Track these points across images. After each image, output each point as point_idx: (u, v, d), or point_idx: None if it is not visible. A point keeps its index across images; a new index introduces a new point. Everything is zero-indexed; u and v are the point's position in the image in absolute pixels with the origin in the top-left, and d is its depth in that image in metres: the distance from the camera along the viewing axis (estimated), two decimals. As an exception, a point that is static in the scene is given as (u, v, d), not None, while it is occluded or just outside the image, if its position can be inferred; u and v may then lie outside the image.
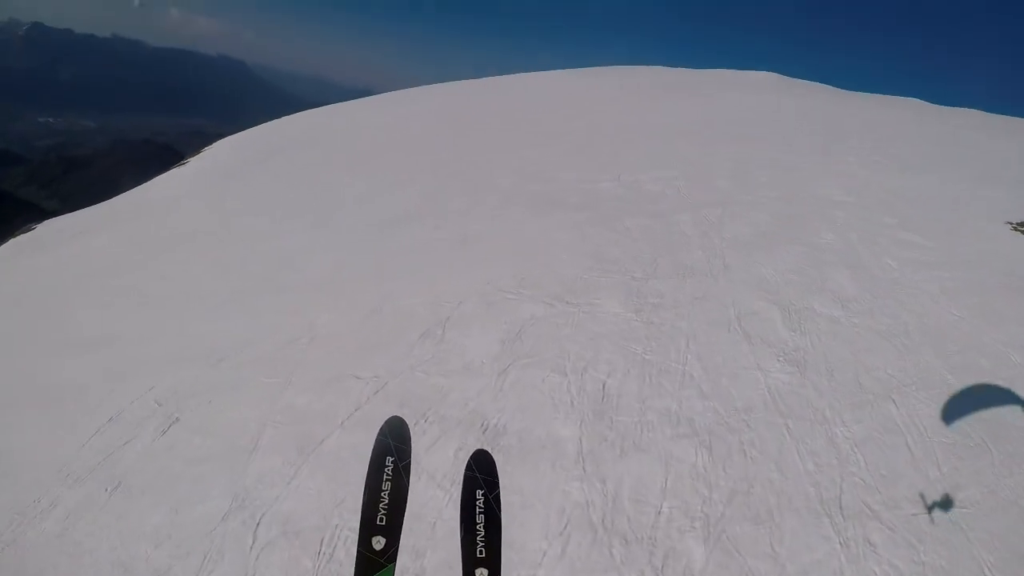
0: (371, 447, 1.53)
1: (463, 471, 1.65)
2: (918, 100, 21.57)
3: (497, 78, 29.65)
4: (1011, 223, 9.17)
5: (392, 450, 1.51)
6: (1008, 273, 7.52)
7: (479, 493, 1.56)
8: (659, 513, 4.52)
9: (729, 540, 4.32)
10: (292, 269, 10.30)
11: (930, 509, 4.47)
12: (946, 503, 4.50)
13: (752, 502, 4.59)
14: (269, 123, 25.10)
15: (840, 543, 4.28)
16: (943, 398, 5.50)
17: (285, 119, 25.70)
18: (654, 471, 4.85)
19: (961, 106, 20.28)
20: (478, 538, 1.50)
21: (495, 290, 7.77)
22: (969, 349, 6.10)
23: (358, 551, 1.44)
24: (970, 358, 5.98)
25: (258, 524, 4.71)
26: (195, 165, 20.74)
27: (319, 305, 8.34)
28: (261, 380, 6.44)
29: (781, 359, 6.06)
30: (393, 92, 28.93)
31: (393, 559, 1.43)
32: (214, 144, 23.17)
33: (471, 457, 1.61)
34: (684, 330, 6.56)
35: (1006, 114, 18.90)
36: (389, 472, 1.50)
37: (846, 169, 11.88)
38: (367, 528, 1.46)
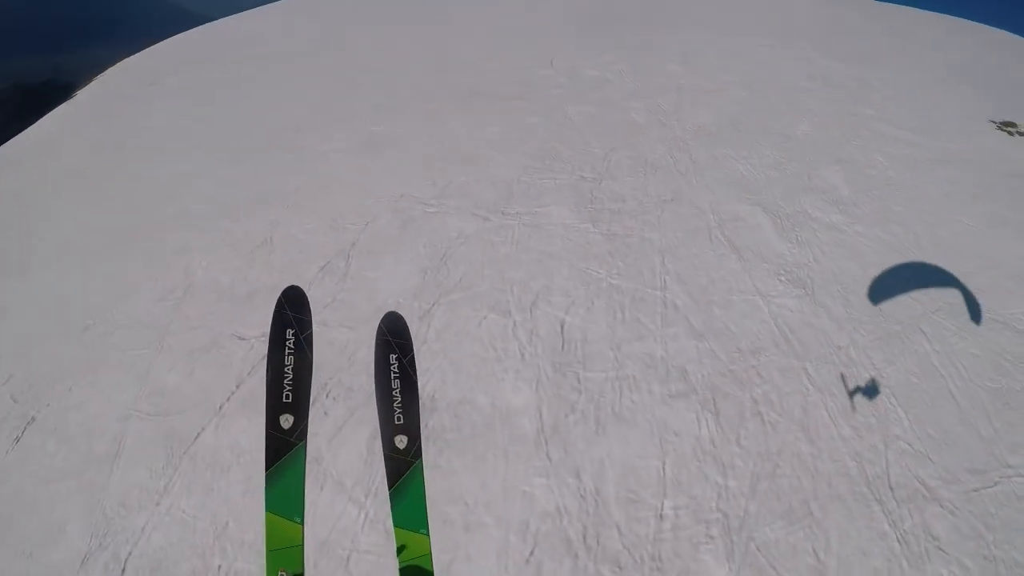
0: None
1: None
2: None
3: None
4: (994, 122, 8.08)
5: (292, 321, 1.38)
6: (1011, 175, 6.48)
7: (392, 357, 1.45)
8: (660, 517, 3.15)
9: (760, 551, 3.04)
10: (172, 202, 8.22)
11: (992, 481, 3.46)
12: (1007, 471, 3.50)
13: (781, 489, 3.31)
14: (161, 43, 21.69)
15: (898, 539, 3.21)
16: (974, 328, 4.44)
17: (177, 37, 22.25)
18: (646, 452, 3.44)
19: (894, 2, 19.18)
20: (395, 404, 1.43)
21: (411, 203, 6.11)
22: (990, 268, 5.05)
23: (267, 431, 1.33)
24: (993, 279, 4.93)
25: (123, 570, 3.34)
26: (83, 98, 17.62)
27: (198, 243, 6.52)
28: (128, 352, 5.05)
29: (782, 278, 4.72)
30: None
31: (303, 436, 1.34)
32: (105, 72, 19.81)
33: (382, 321, 1.47)
34: (656, 243, 5.09)
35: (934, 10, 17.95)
36: (291, 345, 1.37)
37: (803, 55, 10.47)
38: (274, 407, 1.34)
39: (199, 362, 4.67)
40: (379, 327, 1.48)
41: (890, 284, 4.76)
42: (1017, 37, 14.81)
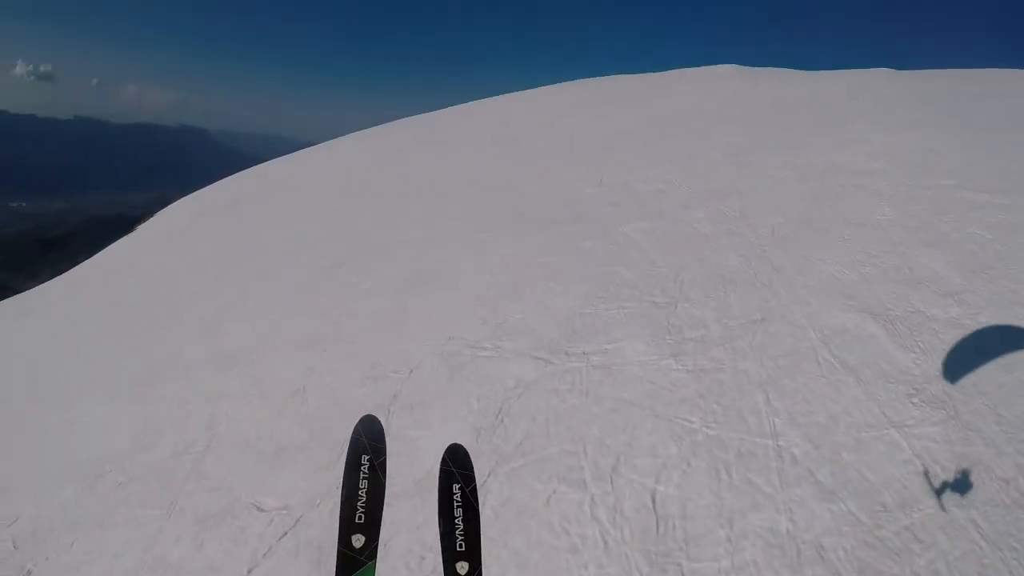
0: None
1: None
2: (887, 69, 19.95)
3: (448, 109, 27.38)
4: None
5: (367, 448, 1.48)
6: None
7: (456, 487, 1.49)
8: None
9: None
10: (206, 342, 8.05)
11: None
12: None
13: None
14: (220, 181, 23.14)
15: None
16: None
17: (231, 177, 23.70)
18: None
19: (927, 68, 18.70)
20: (457, 531, 1.44)
21: (461, 346, 5.56)
22: None
23: (339, 550, 1.38)
24: None
25: None
26: (143, 231, 18.77)
27: (227, 388, 6.27)
28: (138, 510, 4.73)
29: (915, 400, 3.86)
30: (344, 136, 26.87)
31: (374, 556, 1.40)
32: (166, 208, 21.28)
33: (446, 452, 1.53)
34: (754, 376, 4.30)
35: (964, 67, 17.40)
36: (365, 471, 1.45)
37: (858, 136, 9.79)
38: (346, 527, 1.40)
39: (211, 533, 4.19)
40: (443, 457, 1.51)
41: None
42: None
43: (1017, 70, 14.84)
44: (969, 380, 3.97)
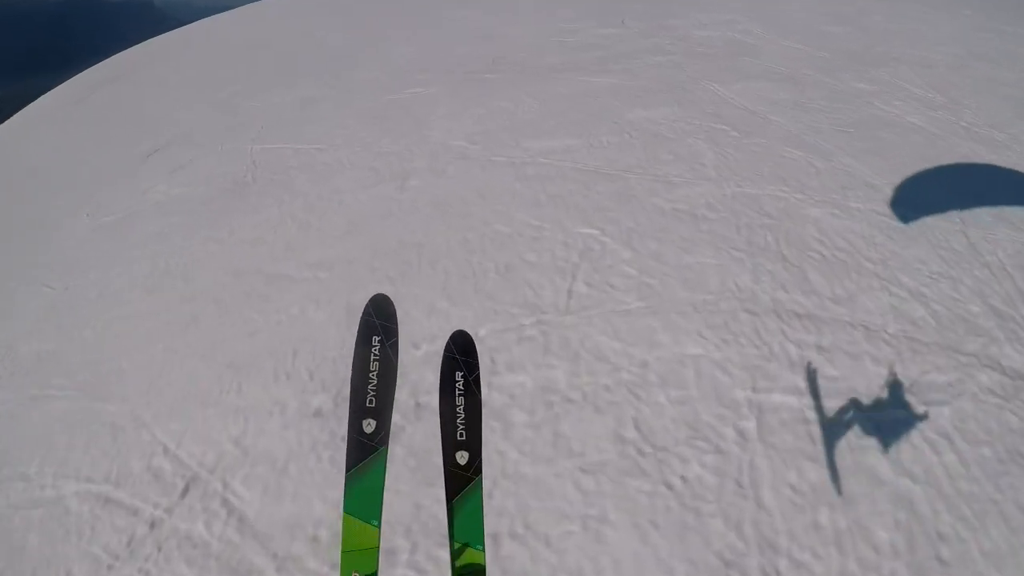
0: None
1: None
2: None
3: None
4: None
5: (378, 328, 1.30)
6: None
7: (458, 375, 1.33)
8: None
9: None
10: None
11: None
12: None
13: None
14: (126, 51, 17.95)
15: None
16: None
17: (152, 41, 18.57)
18: None
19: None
20: (458, 420, 1.30)
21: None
22: None
23: (349, 435, 1.24)
24: None
25: None
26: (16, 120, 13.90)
27: None
28: None
29: None
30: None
31: (384, 442, 1.25)
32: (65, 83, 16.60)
33: (450, 338, 1.33)
34: None
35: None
36: (376, 352, 1.27)
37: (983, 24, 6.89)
38: (357, 412, 1.25)
39: None
40: (447, 343, 1.32)
41: None
42: None
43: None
44: None
